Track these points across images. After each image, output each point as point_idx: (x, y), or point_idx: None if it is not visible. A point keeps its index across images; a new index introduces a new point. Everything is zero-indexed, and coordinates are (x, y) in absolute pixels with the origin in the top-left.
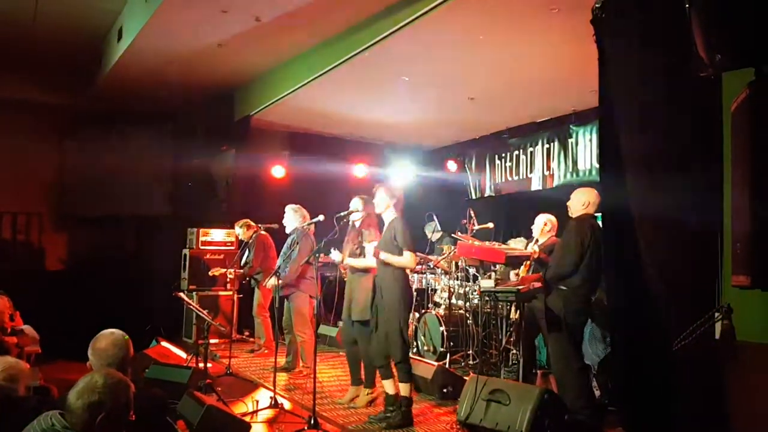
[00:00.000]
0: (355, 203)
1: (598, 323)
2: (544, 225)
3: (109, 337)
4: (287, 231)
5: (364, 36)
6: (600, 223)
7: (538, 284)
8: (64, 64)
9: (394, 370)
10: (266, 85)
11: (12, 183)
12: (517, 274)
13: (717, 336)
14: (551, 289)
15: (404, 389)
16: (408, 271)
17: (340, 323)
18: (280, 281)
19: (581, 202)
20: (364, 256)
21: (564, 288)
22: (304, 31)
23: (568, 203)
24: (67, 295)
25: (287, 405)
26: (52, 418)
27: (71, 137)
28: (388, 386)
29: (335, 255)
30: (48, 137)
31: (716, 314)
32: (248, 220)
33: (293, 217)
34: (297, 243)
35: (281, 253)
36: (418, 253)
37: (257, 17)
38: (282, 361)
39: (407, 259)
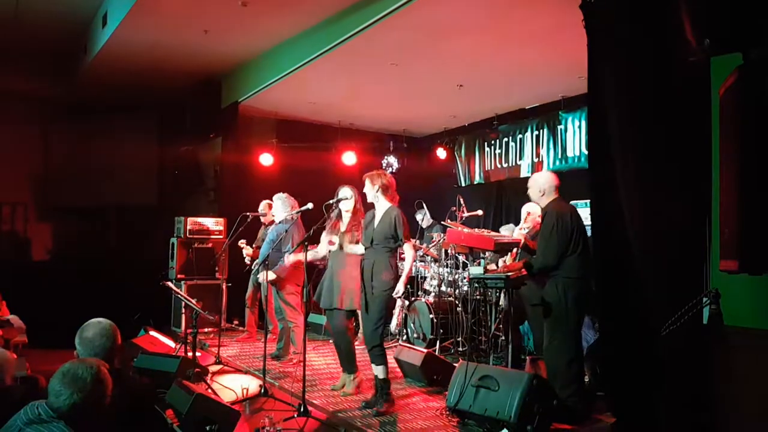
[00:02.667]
0: (344, 192)
1: (590, 310)
2: (527, 215)
3: (97, 326)
4: (276, 220)
5: (353, 22)
6: (588, 209)
7: (525, 271)
8: (48, 53)
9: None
10: (254, 72)
11: None
12: (505, 261)
13: (705, 321)
14: (544, 279)
15: (382, 372)
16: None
17: None
18: (269, 272)
19: (538, 191)
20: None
21: (565, 276)
22: (292, 16)
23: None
24: (53, 285)
25: (277, 393)
26: (38, 407)
27: (56, 127)
28: (379, 372)
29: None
30: (33, 127)
31: (704, 299)
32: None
33: (282, 206)
34: (286, 232)
35: (267, 242)
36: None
37: (243, 2)
38: (271, 347)
39: (412, 252)
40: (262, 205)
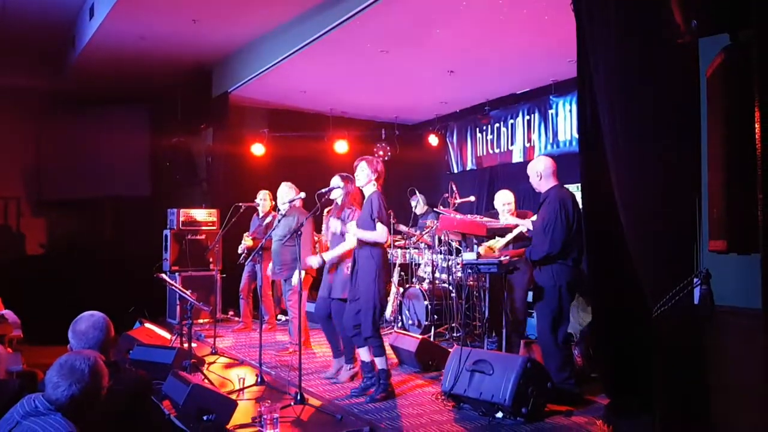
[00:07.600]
0: (336, 181)
1: (584, 293)
2: (506, 204)
3: (90, 319)
4: (281, 210)
5: (342, 9)
6: (579, 192)
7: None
8: (37, 46)
9: None
10: (243, 61)
11: None
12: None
13: (696, 301)
14: (538, 265)
15: (380, 362)
16: (387, 245)
17: None
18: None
19: (535, 174)
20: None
21: (560, 261)
22: (281, 4)
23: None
24: (48, 279)
25: (273, 382)
26: (35, 400)
27: (47, 120)
28: (363, 354)
29: (313, 261)
30: (23, 121)
31: (695, 280)
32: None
33: (288, 193)
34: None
35: (279, 240)
36: (402, 227)
37: None
38: (266, 336)
39: (378, 232)
40: (262, 194)
